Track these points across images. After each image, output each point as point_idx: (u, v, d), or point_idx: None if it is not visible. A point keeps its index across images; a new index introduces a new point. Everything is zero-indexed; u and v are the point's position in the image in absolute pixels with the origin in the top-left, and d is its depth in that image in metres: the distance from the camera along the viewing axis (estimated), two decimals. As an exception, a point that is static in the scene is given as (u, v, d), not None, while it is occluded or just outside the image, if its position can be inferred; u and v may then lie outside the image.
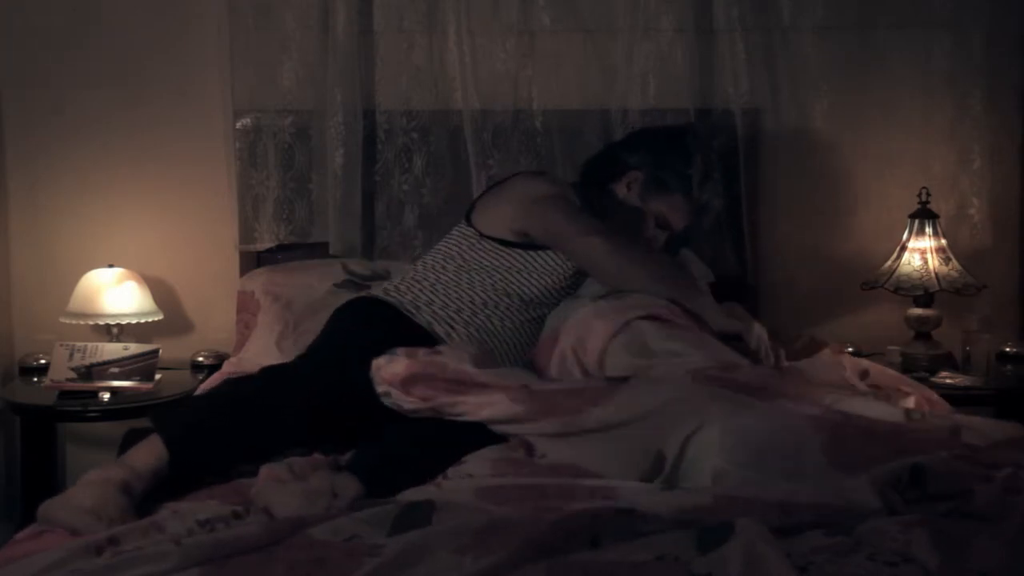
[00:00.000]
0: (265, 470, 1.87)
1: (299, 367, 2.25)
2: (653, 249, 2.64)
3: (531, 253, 2.54)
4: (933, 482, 1.70)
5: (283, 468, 1.87)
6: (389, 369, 2.08)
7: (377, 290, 2.60)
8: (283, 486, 1.80)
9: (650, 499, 1.70)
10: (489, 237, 2.56)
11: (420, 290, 2.51)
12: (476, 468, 1.95)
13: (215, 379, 2.82)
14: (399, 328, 2.41)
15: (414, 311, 2.45)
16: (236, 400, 2.08)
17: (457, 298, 2.49)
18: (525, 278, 2.53)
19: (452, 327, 2.44)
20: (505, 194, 2.63)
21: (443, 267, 2.56)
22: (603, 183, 2.71)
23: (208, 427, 2.01)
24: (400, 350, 2.14)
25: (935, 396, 2.48)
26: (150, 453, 1.95)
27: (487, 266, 2.53)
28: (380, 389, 2.09)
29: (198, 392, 2.74)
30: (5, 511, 3.22)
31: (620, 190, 2.68)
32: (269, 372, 2.22)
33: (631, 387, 2.02)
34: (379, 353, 2.18)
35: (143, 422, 2.36)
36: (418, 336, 2.39)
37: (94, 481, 1.86)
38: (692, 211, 2.69)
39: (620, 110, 3.23)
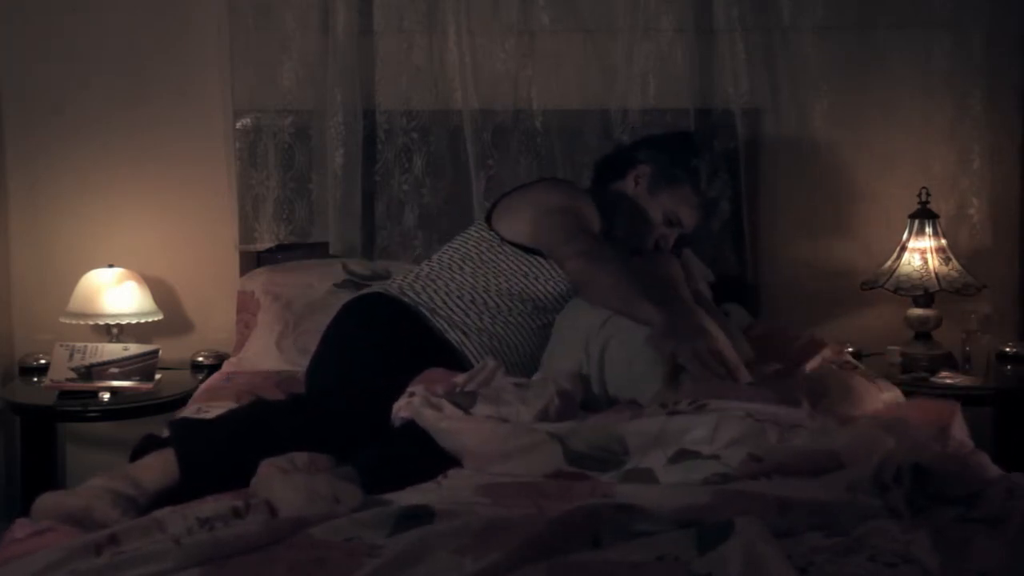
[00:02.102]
0: (266, 463, 1.86)
1: (325, 398, 2.19)
2: (642, 258, 2.61)
3: (551, 261, 2.54)
4: (937, 483, 1.70)
5: (284, 460, 1.87)
6: (408, 410, 2.08)
7: (392, 287, 2.58)
8: (285, 477, 1.80)
9: (648, 496, 1.70)
10: (511, 242, 2.56)
11: (435, 291, 2.51)
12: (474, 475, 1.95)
13: (216, 379, 2.83)
14: (416, 332, 2.42)
15: (429, 314, 2.46)
16: (259, 430, 2.04)
17: (471, 300, 2.49)
18: (542, 284, 2.53)
19: (466, 334, 2.44)
20: (525, 201, 2.63)
21: (460, 267, 2.55)
22: (611, 181, 2.71)
23: (226, 454, 1.96)
24: (418, 389, 2.13)
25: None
26: (163, 472, 1.92)
27: (504, 270, 2.53)
28: (398, 423, 2.10)
29: (200, 389, 2.75)
30: (5, 511, 3.22)
31: (628, 186, 2.68)
32: (296, 402, 2.20)
33: None
34: (401, 359, 2.20)
35: (153, 427, 2.36)
36: (433, 342, 2.41)
37: (103, 487, 1.85)
38: (702, 206, 2.68)
39: (620, 110, 3.23)
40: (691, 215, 2.68)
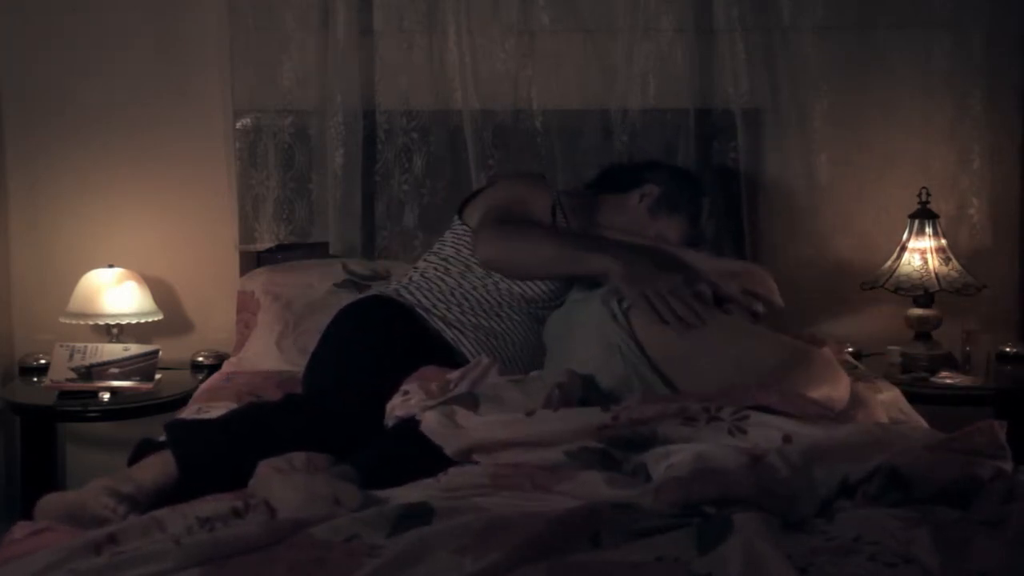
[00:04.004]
0: (264, 463, 1.86)
1: (321, 399, 2.20)
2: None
3: None
4: (918, 484, 1.69)
5: (282, 460, 1.87)
6: (404, 409, 2.08)
7: (388, 290, 2.59)
8: (284, 477, 1.80)
9: (633, 491, 1.72)
10: None
11: (428, 291, 2.52)
12: (476, 466, 1.95)
13: (216, 379, 2.83)
14: (414, 333, 2.42)
15: (425, 314, 2.46)
16: (256, 430, 2.04)
17: (463, 298, 2.50)
18: None
19: (462, 332, 2.44)
20: (484, 196, 2.67)
21: (446, 269, 2.56)
22: (616, 190, 2.72)
23: (224, 455, 1.97)
24: (412, 387, 2.12)
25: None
26: (161, 472, 1.93)
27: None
28: (392, 422, 2.09)
29: (200, 389, 2.76)
30: (5, 511, 3.22)
31: (632, 200, 2.69)
32: (292, 403, 2.20)
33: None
34: (399, 358, 2.21)
35: (153, 427, 2.36)
36: (431, 341, 2.41)
37: (102, 485, 1.86)
38: (690, 239, 2.69)
39: (620, 110, 3.23)
40: (679, 241, 2.68)
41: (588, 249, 2.44)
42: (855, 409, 2.22)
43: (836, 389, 2.16)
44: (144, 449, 2.02)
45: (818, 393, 2.09)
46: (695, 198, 2.71)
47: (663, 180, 2.70)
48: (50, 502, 1.85)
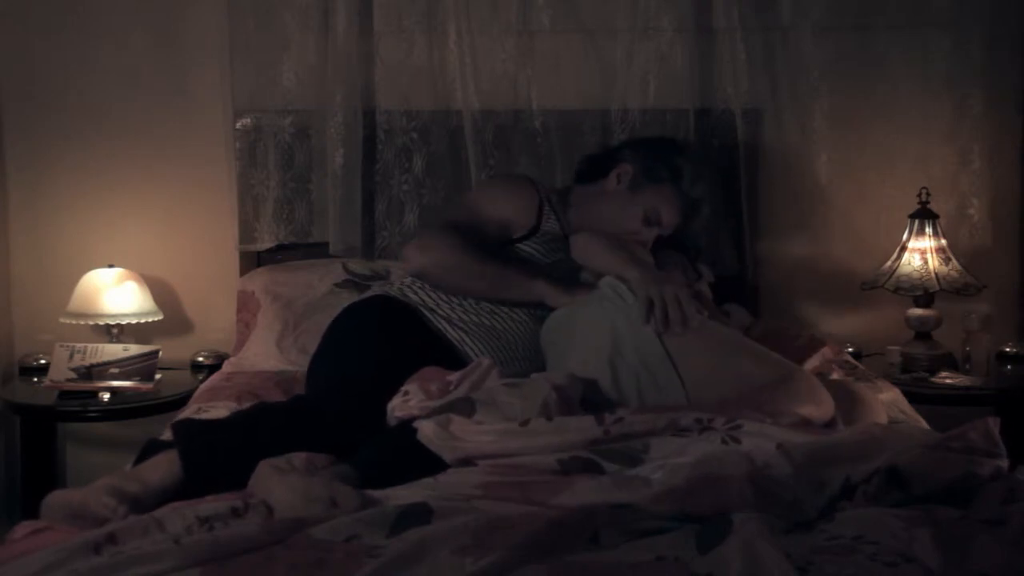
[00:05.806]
0: (264, 462, 1.86)
1: (325, 399, 2.19)
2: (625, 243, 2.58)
3: (516, 247, 2.57)
4: (917, 483, 1.69)
5: (282, 460, 1.87)
6: (404, 410, 2.07)
7: (392, 289, 2.59)
8: (282, 478, 1.80)
9: (630, 493, 1.72)
10: None
11: (433, 290, 2.52)
12: (474, 468, 1.95)
13: (216, 379, 2.83)
14: (416, 333, 2.42)
15: (429, 314, 2.46)
16: (263, 432, 2.04)
17: (466, 298, 2.49)
18: None
19: (466, 332, 2.44)
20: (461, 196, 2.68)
21: None
22: (594, 179, 2.71)
23: (231, 457, 1.96)
24: (412, 388, 2.12)
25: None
26: (167, 471, 1.93)
27: None
28: (393, 423, 2.09)
29: (200, 389, 2.76)
30: (5, 511, 3.22)
31: (610, 183, 2.67)
32: (299, 404, 2.20)
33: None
34: (402, 358, 2.22)
35: (153, 427, 2.35)
36: (434, 341, 2.41)
37: (106, 484, 1.86)
38: (683, 207, 2.64)
39: (620, 110, 3.23)
40: (671, 214, 2.64)
41: (527, 275, 2.48)
42: (853, 409, 2.23)
43: (818, 408, 2.15)
44: (151, 450, 2.02)
45: (800, 412, 2.09)
46: (674, 162, 2.65)
47: (636, 155, 2.67)
48: (56, 498, 1.85)
